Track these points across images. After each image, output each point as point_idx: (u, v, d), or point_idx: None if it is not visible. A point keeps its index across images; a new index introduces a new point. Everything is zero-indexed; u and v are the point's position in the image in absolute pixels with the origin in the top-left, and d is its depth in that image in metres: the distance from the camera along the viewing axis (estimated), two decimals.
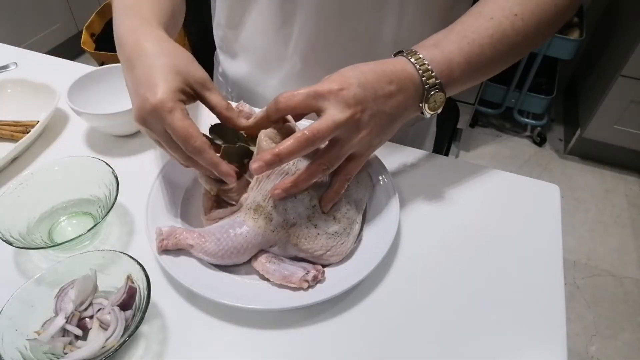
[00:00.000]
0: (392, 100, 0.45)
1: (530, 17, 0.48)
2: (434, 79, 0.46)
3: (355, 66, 0.45)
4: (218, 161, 0.44)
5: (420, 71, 0.46)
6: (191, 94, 0.45)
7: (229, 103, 0.47)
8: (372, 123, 0.44)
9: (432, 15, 0.61)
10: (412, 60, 0.46)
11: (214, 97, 0.46)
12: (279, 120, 0.47)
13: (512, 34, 0.48)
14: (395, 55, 0.48)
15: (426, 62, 0.46)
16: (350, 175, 0.47)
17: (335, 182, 0.47)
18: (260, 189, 0.47)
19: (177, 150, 0.44)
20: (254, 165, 0.41)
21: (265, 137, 0.46)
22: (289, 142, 0.41)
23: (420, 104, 0.47)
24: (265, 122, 0.47)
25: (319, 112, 0.43)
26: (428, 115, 0.48)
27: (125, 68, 0.46)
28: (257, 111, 0.56)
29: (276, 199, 0.46)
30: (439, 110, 0.48)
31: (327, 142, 0.44)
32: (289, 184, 0.45)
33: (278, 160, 0.41)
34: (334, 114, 0.42)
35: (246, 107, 0.56)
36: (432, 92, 0.46)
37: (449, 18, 0.62)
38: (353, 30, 0.60)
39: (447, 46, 0.47)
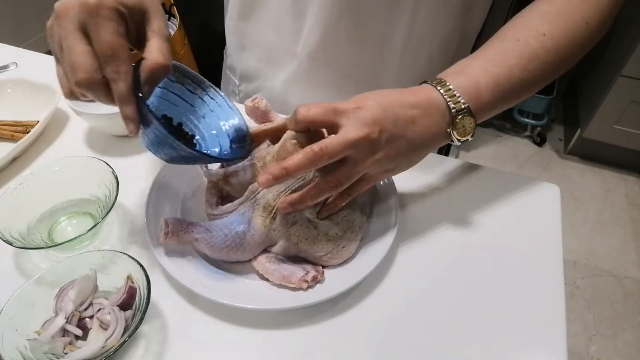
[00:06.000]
0: (415, 126, 0.43)
1: (560, 35, 0.47)
2: (460, 104, 0.44)
3: (379, 90, 0.44)
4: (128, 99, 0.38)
5: (446, 96, 0.44)
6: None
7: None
8: (389, 146, 0.42)
9: (445, 19, 0.60)
10: (437, 87, 0.45)
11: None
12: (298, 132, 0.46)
13: (542, 53, 0.47)
14: (419, 85, 0.47)
15: (452, 88, 0.45)
16: (353, 193, 0.46)
17: (336, 196, 0.46)
18: (272, 187, 0.46)
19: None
20: (261, 178, 0.41)
21: (291, 137, 0.44)
22: (297, 157, 0.40)
23: (448, 130, 0.45)
24: (282, 131, 0.46)
25: (336, 128, 0.41)
26: (457, 143, 0.46)
27: None
28: (269, 105, 0.54)
29: (281, 212, 0.45)
30: (470, 137, 0.46)
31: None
32: (296, 199, 0.44)
33: (285, 174, 0.40)
34: (349, 131, 0.40)
35: (262, 103, 0.53)
36: (460, 117, 0.44)
37: (463, 24, 0.61)
38: (364, 30, 0.60)
39: (472, 71, 0.46)
